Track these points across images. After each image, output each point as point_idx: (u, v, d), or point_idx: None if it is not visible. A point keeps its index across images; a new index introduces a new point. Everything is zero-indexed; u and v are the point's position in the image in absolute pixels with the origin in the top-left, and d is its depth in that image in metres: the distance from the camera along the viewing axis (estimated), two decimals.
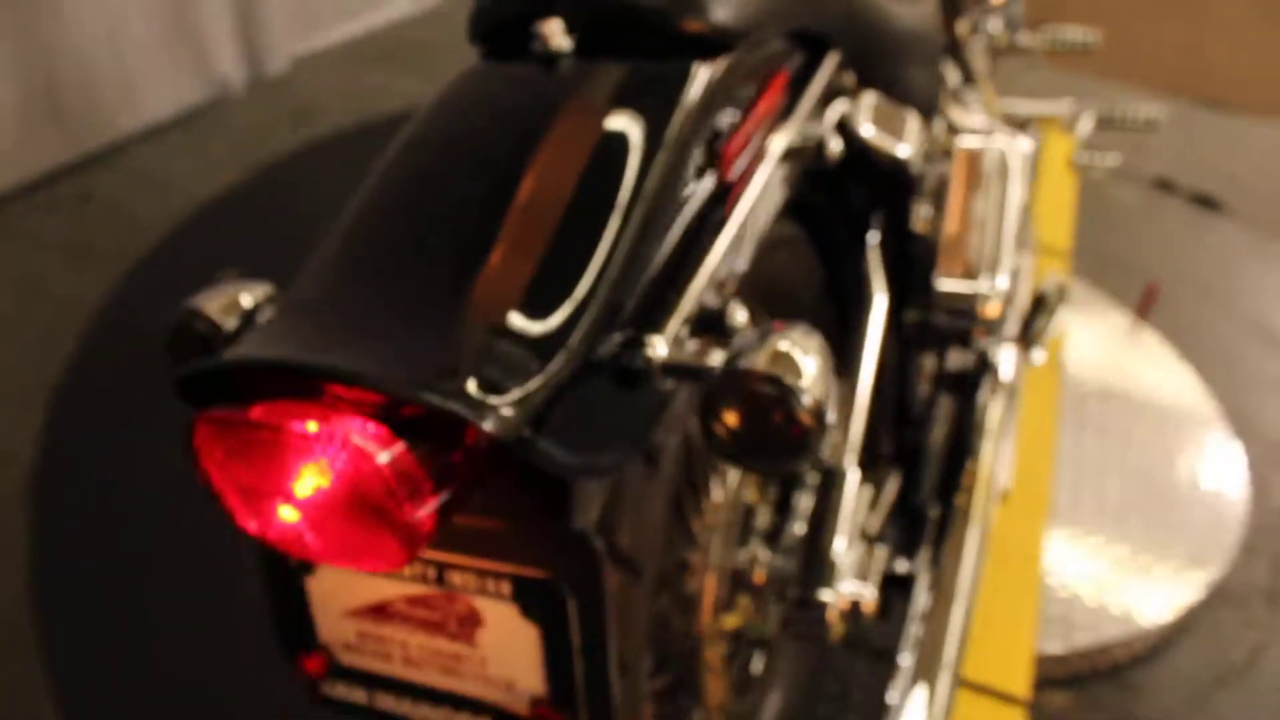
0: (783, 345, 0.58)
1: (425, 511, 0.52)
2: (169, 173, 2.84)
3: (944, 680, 0.96)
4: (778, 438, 0.58)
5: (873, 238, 1.13)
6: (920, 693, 0.95)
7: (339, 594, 0.67)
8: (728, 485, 0.97)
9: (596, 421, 0.59)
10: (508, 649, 0.64)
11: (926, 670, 0.97)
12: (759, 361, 0.58)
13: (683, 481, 0.97)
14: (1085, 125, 2.04)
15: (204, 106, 3.16)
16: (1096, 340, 2.35)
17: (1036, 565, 1.65)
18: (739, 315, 0.72)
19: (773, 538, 1.05)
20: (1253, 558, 1.95)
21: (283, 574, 0.68)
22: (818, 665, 1.33)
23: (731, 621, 1.01)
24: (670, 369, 0.61)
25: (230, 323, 0.64)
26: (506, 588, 0.62)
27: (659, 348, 0.61)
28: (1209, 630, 1.80)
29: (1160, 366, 2.30)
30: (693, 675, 0.99)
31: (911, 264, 1.24)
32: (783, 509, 1.07)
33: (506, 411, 0.53)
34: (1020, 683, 1.48)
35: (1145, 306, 2.44)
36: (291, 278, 0.63)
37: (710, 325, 0.68)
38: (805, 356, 0.58)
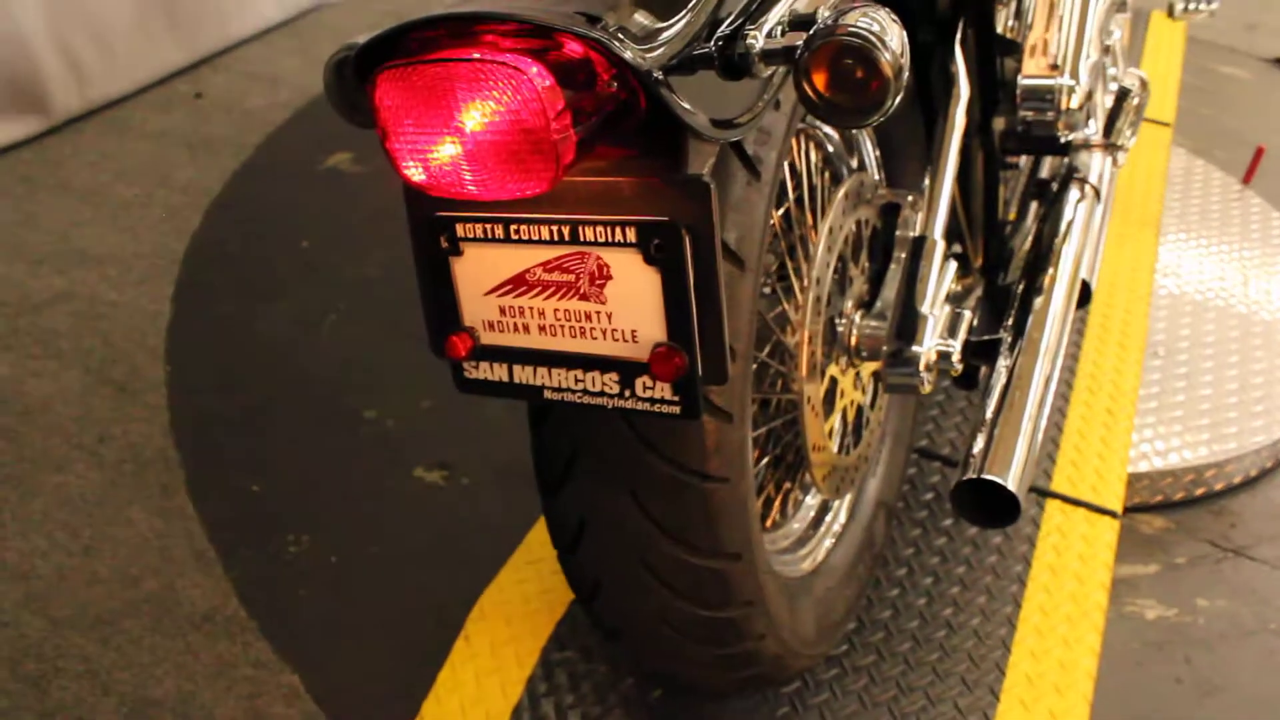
0: (862, 16, 0.64)
1: (569, 137, 0.61)
2: (278, 70, 2.96)
3: (1026, 433, 1.00)
4: (860, 91, 0.64)
5: (959, 38, 1.16)
6: (1004, 440, 0.98)
7: (482, 273, 0.76)
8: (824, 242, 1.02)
9: (708, 97, 0.68)
10: (632, 298, 0.72)
11: (1010, 425, 1.01)
12: (845, 20, 0.64)
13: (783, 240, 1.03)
14: None
15: (309, 11, 3.27)
16: (1199, 200, 2.32)
17: (1132, 391, 1.66)
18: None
19: (867, 306, 1.10)
20: None
21: (434, 259, 0.76)
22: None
23: (830, 371, 1.07)
24: (767, 55, 0.68)
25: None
26: (631, 233, 0.70)
27: (758, 39, 0.68)
28: None
29: (1265, 223, 2.26)
30: (796, 423, 1.05)
31: (999, 71, 1.27)
32: (875, 282, 1.12)
33: (643, 50, 0.62)
34: (1113, 498, 1.51)
35: (1252, 168, 2.40)
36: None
37: (802, 25, 0.73)
38: (884, 23, 0.64)
